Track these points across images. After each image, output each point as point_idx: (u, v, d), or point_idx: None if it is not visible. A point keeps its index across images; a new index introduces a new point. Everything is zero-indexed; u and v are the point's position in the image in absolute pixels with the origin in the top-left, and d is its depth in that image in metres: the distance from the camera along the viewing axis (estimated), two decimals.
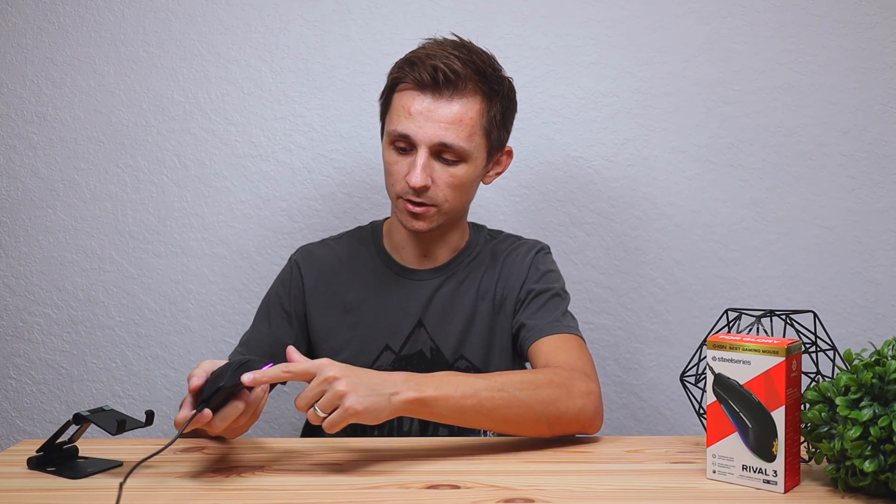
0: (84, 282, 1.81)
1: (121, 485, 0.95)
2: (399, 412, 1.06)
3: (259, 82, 1.78)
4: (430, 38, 1.35)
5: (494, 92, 1.32)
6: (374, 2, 1.76)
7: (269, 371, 1.03)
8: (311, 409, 1.02)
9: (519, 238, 1.47)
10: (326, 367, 1.03)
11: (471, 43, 1.34)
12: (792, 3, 1.73)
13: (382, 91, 1.37)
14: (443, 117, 1.27)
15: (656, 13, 1.74)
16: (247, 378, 1.02)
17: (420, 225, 1.33)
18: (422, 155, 1.28)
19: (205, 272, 1.80)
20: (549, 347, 1.29)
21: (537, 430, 1.14)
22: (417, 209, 1.31)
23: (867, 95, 1.73)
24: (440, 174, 1.30)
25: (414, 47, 1.36)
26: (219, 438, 1.22)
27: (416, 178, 1.27)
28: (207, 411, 1.02)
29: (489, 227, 1.52)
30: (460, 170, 1.31)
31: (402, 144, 1.30)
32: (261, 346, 1.42)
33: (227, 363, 1.06)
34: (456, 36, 1.35)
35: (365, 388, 1.03)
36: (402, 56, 1.34)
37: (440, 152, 1.29)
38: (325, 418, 1.02)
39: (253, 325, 1.46)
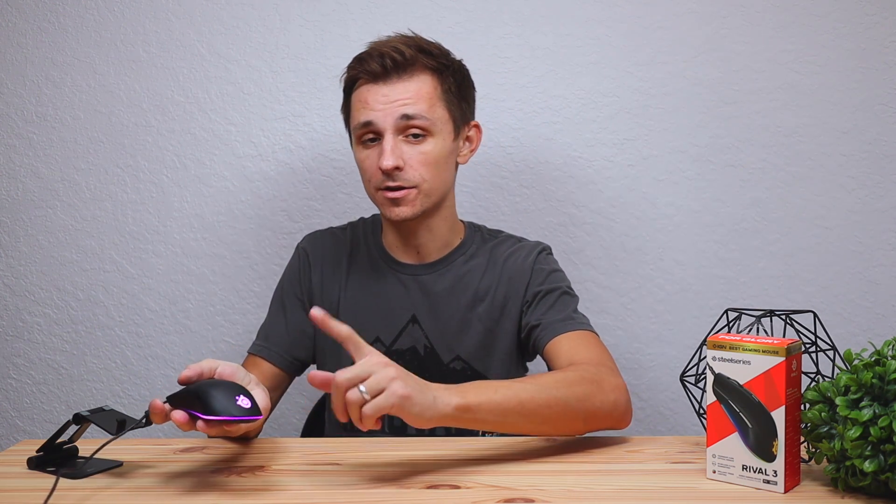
0: (84, 282, 1.81)
1: (57, 478, 0.98)
2: (445, 418, 1.02)
3: (259, 82, 1.78)
4: (372, 40, 1.37)
5: (444, 66, 1.35)
6: (374, 2, 1.76)
7: (340, 326, 1.00)
8: (355, 388, 0.96)
9: (520, 239, 1.46)
10: (378, 353, 1.00)
11: (414, 33, 1.37)
12: (792, 3, 1.73)
13: (342, 101, 1.40)
14: (399, 97, 1.30)
15: (656, 13, 1.74)
16: (318, 312, 0.99)
17: (403, 210, 1.32)
18: (388, 138, 1.29)
19: (205, 272, 1.80)
20: (568, 345, 1.29)
21: (574, 428, 1.14)
22: (397, 193, 1.31)
23: (867, 95, 1.73)
24: (410, 154, 1.31)
25: None
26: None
27: (387, 160, 1.28)
28: (157, 402, 1.01)
29: (490, 226, 1.52)
30: (429, 145, 1.31)
31: (369, 135, 1.32)
32: (280, 336, 1.43)
33: (218, 384, 1.05)
34: (401, 33, 1.37)
35: (413, 381, 1.00)
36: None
37: (405, 129, 1.30)
38: (366, 402, 0.96)
39: (269, 319, 1.46)
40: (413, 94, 1.30)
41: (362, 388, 0.96)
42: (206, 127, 1.79)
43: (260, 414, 1.03)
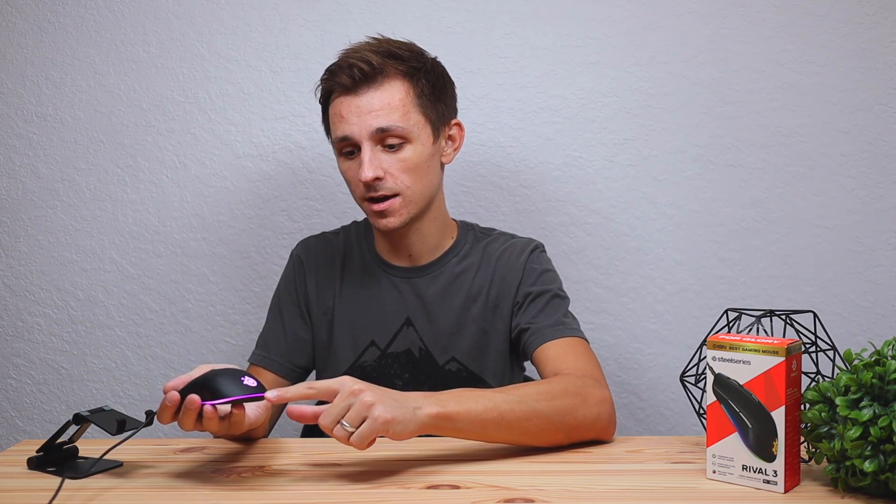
0: (84, 282, 1.81)
1: (63, 479, 0.99)
2: (424, 427, 1.04)
3: (259, 82, 1.78)
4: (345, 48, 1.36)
5: (415, 70, 1.32)
6: (374, 2, 1.76)
7: (294, 389, 1.03)
8: (338, 425, 1.00)
9: (512, 236, 1.45)
10: (348, 381, 1.02)
11: (386, 37, 1.35)
12: (792, 3, 1.73)
13: (322, 114, 1.39)
14: (372, 107, 1.28)
15: (656, 13, 1.74)
16: (272, 395, 1.01)
17: (390, 221, 1.32)
18: (366, 149, 1.29)
19: (205, 272, 1.80)
20: (555, 353, 1.28)
21: (555, 440, 1.14)
22: (380, 206, 1.31)
23: (867, 95, 1.73)
24: (390, 163, 1.30)
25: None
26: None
27: (366, 172, 1.28)
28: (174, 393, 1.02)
29: (490, 226, 1.51)
30: (408, 152, 1.30)
31: (348, 148, 1.32)
32: (278, 345, 1.42)
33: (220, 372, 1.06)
34: (370, 36, 1.36)
35: (390, 400, 1.02)
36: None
37: (383, 140, 1.29)
38: (352, 433, 1.00)
39: (267, 327, 1.46)
40: (385, 104, 1.29)
41: (345, 423, 1.00)
42: (206, 127, 1.79)
43: (265, 390, 1.03)
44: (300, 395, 1.03)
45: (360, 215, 1.75)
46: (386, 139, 1.29)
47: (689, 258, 1.77)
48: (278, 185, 1.79)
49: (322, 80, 1.35)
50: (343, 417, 1.00)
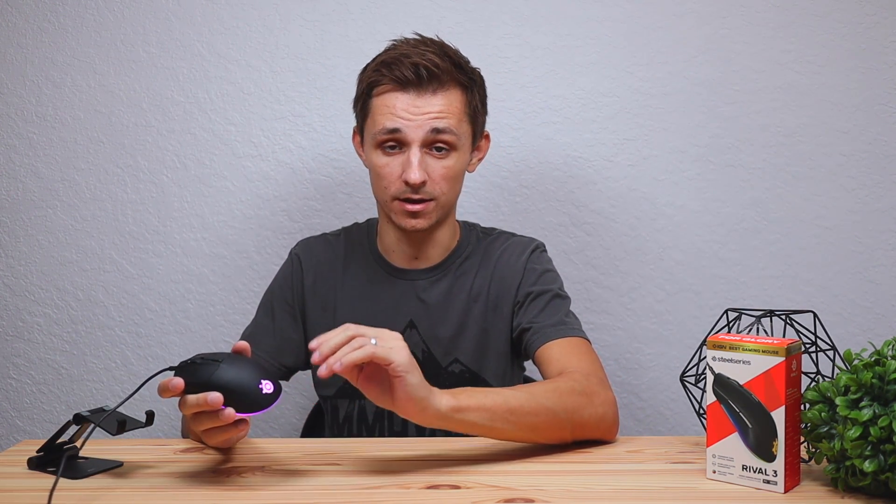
0: (84, 282, 1.81)
1: (57, 477, 0.97)
2: (437, 418, 1.04)
3: (259, 82, 1.78)
4: (394, 40, 1.35)
5: (472, 81, 1.34)
6: (374, 2, 1.76)
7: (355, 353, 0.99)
8: (363, 336, 0.99)
9: (513, 235, 1.45)
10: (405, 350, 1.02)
11: (438, 38, 1.35)
12: (792, 3, 1.73)
13: (356, 98, 1.36)
14: (430, 110, 1.28)
15: (656, 13, 1.74)
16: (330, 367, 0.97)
17: (419, 223, 1.32)
18: (415, 151, 1.28)
19: (205, 272, 1.80)
20: (558, 353, 1.28)
21: (561, 437, 1.14)
22: (416, 207, 1.30)
23: (867, 95, 1.73)
24: (434, 168, 1.30)
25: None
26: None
27: (416, 174, 1.27)
28: (179, 380, 1.03)
29: (490, 226, 1.51)
30: (451, 160, 1.31)
31: (392, 142, 1.30)
32: (265, 340, 1.42)
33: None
34: (419, 34, 1.35)
35: (418, 374, 1.02)
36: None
37: (432, 144, 1.29)
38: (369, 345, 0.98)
39: (255, 320, 1.45)
40: (444, 108, 1.28)
41: (373, 340, 0.99)
42: (206, 127, 1.79)
43: (281, 392, 1.02)
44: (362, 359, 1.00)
45: (360, 216, 1.75)
46: (436, 142, 1.29)
47: (689, 258, 1.77)
48: (278, 185, 1.79)
49: (373, 70, 1.31)
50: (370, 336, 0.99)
